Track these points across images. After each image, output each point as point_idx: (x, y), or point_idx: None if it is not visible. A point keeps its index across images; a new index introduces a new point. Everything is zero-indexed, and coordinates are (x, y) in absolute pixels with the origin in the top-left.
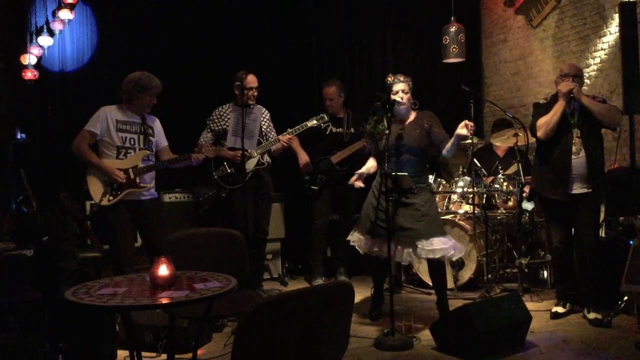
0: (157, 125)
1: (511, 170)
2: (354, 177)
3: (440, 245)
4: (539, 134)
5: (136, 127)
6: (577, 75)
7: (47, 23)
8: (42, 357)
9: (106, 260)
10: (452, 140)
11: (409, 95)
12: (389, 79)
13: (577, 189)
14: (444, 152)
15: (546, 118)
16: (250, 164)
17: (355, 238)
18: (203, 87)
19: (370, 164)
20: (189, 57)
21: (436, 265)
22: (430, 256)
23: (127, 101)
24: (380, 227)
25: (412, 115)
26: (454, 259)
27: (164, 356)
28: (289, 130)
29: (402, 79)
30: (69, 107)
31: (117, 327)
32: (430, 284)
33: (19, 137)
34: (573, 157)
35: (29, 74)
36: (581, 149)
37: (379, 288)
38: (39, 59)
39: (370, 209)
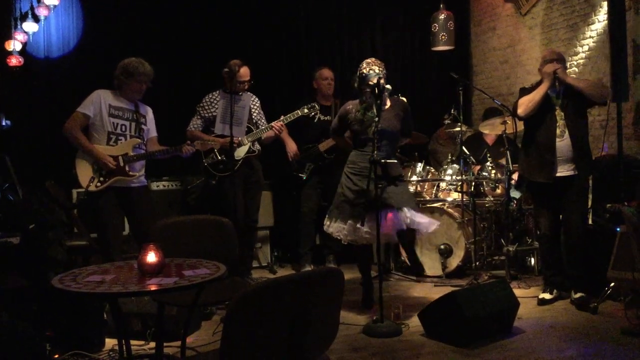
0: (149, 114)
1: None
2: None
3: (412, 217)
4: (519, 111)
5: (129, 114)
6: (561, 59)
7: (32, 9)
8: (29, 345)
9: (94, 248)
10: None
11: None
12: (364, 69)
13: (563, 171)
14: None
15: (529, 96)
16: (241, 152)
17: (335, 229)
18: (191, 75)
19: None
20: (177, 44)
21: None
22: (406, 223)
23: (117, 87)
24: (363, 205)
25: (388, 102)
26: (426, 230)
27: (153, 344)
28: (282, 117)
29: (376, 70)
30: (54, 93)
31: (105, 315)
32: (419, 272)
33: (4, 123)
34: (557, 139)
35: (14, 60)
36: (565, 131)
37: (367, 277)
38: (24, 45)
39: (348, 193)
